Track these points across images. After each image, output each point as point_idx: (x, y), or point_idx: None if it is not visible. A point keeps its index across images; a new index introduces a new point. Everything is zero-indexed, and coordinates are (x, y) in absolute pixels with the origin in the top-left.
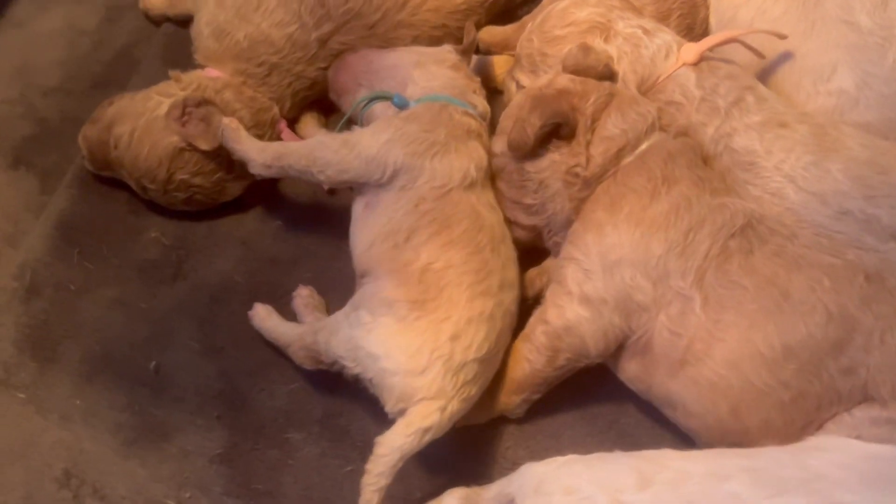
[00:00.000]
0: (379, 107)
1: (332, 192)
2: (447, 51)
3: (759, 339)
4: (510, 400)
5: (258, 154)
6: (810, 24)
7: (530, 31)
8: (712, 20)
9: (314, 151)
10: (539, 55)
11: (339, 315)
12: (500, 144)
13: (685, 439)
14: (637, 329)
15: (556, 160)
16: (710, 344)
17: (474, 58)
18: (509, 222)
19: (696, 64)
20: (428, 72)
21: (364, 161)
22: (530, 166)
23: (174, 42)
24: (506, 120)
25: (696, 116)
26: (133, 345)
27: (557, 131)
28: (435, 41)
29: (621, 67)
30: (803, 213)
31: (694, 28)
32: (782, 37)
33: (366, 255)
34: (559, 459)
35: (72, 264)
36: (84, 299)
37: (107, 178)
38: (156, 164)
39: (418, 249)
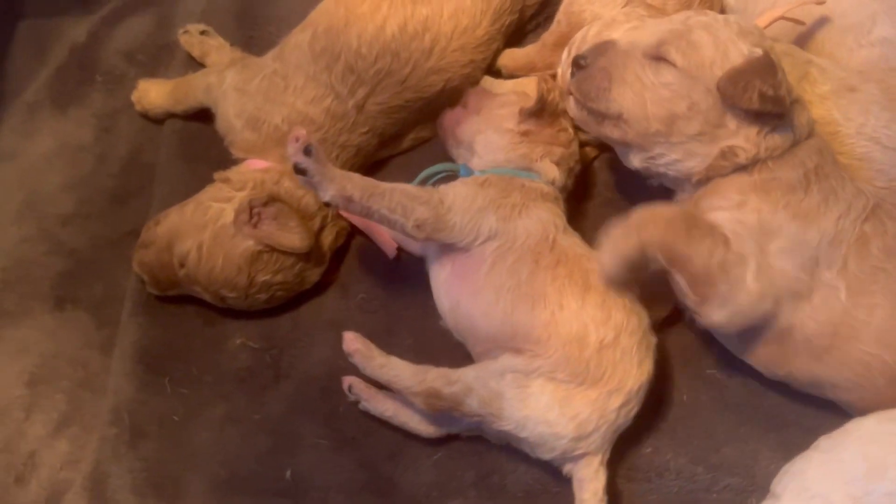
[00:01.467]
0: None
1: (397, 257)
2: (508, 120)
3: None
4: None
5: (341, 183)
6: None
7: (569, 63)
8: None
9: (411, 202)
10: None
11: (478, 373)
12: (690, 58)
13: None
14: (780, 318)
15: (732, 129)
16: (857, 328)
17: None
18: None
19: None
20: (488, 141)
21: (460, 227)
22: (710, 112)
23: (189, 138)
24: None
25: None
26: (259, 458)
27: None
28: (465, 78)
29: None
30: (893, 171)
31: (715, 4)
32: (820, 2)
33: (494, 324)
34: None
35: (167, 394)
36: (192, 426)
37: (171, 296)
38: (234, 272)
39: (573, 316)
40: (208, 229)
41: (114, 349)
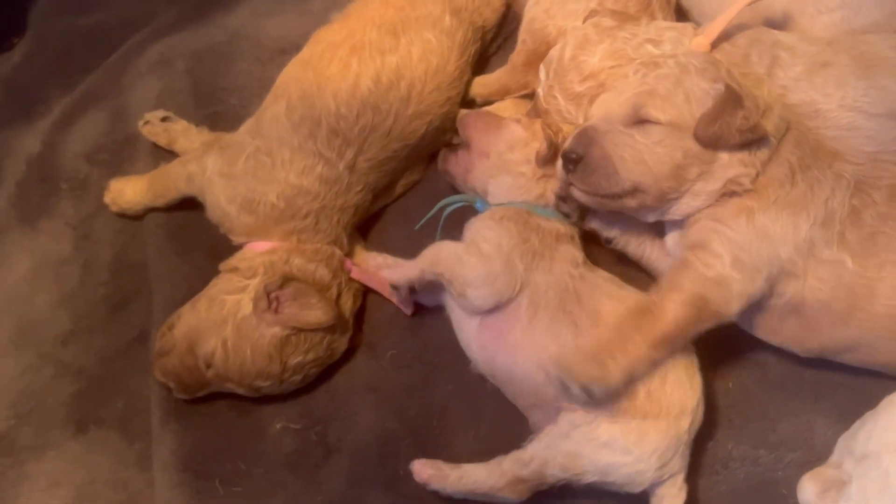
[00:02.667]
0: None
1: (414, 313)
2: (522, 165)
3: None
4: (652, 355)
5: (403, 272)
6: None
7: (551, 86)
8: None
9: (456, 268)
10: (567, 112)
11: (547, 443)
12: (668, 112)
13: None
14: (783, 293)
15: (725, 160)
16: (872, 286)
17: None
18: None
19: (712, 50)
20: (503, 184)
21: (500, 277)
22: (703, 153)
23: (176, 229)
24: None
25: None
26: None
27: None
28: (444, 116)
29: None
30: (881, 135)
31: (672, 1)
32: None
33: (536, 384)
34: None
35: (220, 496)
36: None
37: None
38: (266, 362)
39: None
40: (229, 324)
41: (152, 463)
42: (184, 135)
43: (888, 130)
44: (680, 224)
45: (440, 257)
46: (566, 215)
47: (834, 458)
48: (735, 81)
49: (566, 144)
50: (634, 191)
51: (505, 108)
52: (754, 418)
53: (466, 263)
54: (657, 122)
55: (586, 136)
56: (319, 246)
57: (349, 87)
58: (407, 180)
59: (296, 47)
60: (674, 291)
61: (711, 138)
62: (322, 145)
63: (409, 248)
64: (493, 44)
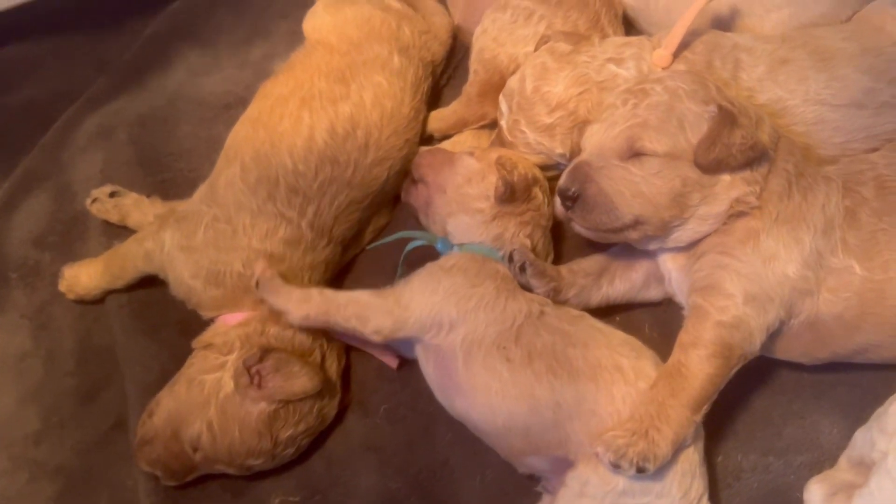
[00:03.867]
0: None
1: (400, 366)
2: (479, 201)
3: None
4: (694, 418)
5: (298, 306)
6: None
7: (516, 120)
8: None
9: (365, 311)
10: (537, 144)
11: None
12: (664, 143)
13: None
14: (799, 312)
15: (727, 181)
16: (880, 288)
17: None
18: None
19: (673, 61)
20: (461, 224)
21: (419, 322)
22: (703, 178)
23: (140, 308)
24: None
25: None
26: None
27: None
28: (404, 159)
29: None
30: (848, 125)
31: (619, 14)
32: None
33: (500, 431)
34: None
35: None
36: None
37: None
38: (256, 440)
39: (578, 414)
40: (212, 405)
41: None
42: (136, 208)
43: (853, 119)
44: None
45: (355, 299)
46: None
47: (854, 451)
48: (726, 99)
49: (561, 181)
50: (636, 223)
51: (465, 140)
52: (759, 426)
53: (379, 310)
54: (654, 155)
55: (581, 173)
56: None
57: (304, 142)
58: (375, 226)
59: (241, 101)
60: (698, 347)
61: (713, 163)
62: (282, 205)
63: None
64: (443, 76)
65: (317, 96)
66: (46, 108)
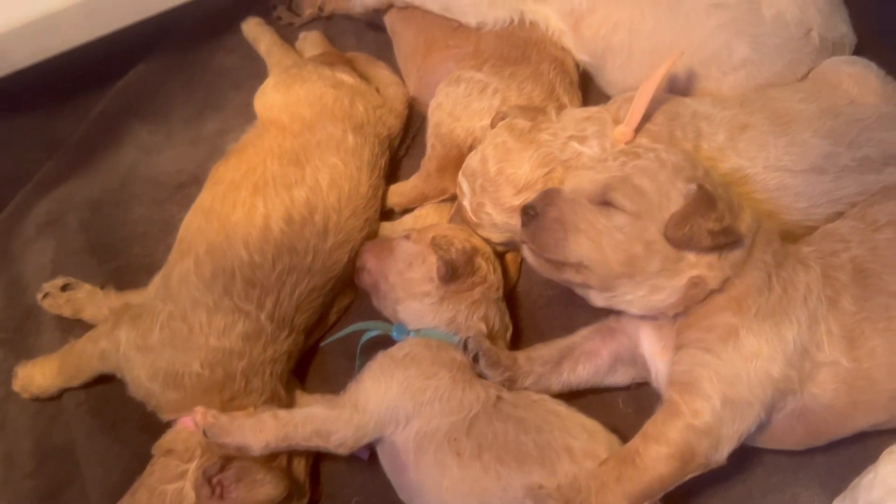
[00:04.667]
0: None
1: (370, 457)
2: (423, 283)
3: None
4: None
5: (256, 437)
6: (685, 21)
7: (480, 203)
8: (582, 57)
9: (324, 426)
10: (504, 225)
11: None
12: (636, 203)
13: None
14: (783, 407)
15: (692, 261)
16: (869, 376)
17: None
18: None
19: (635, 136)
20: (411, 310)
21: (379, 422)
22: (669, 250)
23: (99, 406)
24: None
25: None
26: None
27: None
28: (365, 238)
29: None
30: (810, 191)
31: (574, 80)
32: (679, 53)
33: None
34: None
35: None
36: None
37: None
38: None
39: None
40: None
41: None
42: (90, 302)
43: (814, 185)
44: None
45: (311, 417)
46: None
47: None
48: (711, 182)
49: (531, 199)
50: (580, 265)
51: (427, 214)
52: (738, 502)
53: (338, 421)
54: (622, 210)
55: (549, 196)
56: (254, 411)
57: (259, 232)
58: (339, 306)
59: (194, 180)
60: (660, 443)
61: (681, 239)
62: (239, 299)
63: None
64: (401, 147)
65: (270, 182)
66: None
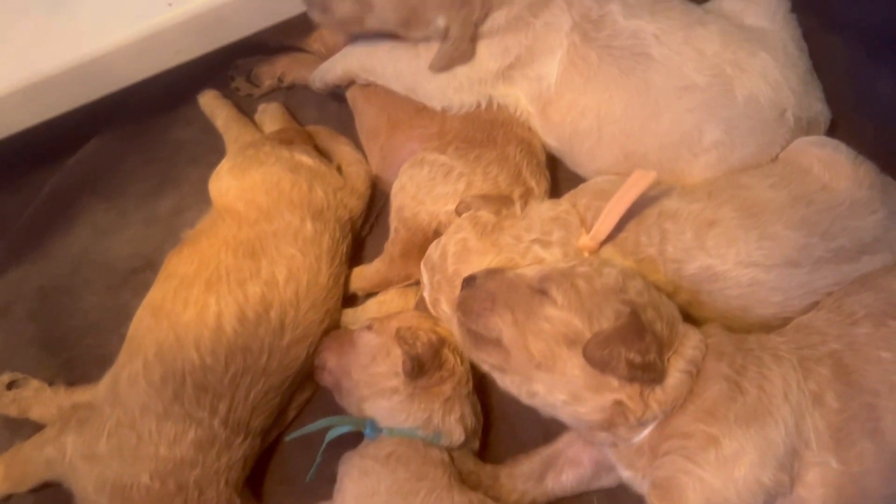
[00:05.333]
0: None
1: None
2: (389, 379)
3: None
4: None
5: None
6: (655, 105)
7: (436, 298)
8: (550, 142)
9: None
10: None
11: None
12: (569, 301)
13: None
14: None
15: (615, 386)
16: (860, 480)
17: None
18: None
19: (599, 248)
20: (379, 408)
21: None
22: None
23: None
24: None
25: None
26: None
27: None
28: (326, 331)
29: None
30: (784, 285)
31: (542, 161)
32: (652, 176)
33: None
34: None
35: None
36: None
37: None
38: None
39: None
40: None
41: None
42: (37, 401)
43: (789, 278)
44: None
45: None
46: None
47: None
48: (650, 312)
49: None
50: (499, 343)
51: (391, 299)
52: None
53: None
54: (553, 303)
55: (492, 272)
56: None
57: (211, 333)
58: (298, 402)
59: (149, 265)
60: None
61: (598, 360)
62: (190, 406)
63: (315, 479)
64: (365, 226)
65: (224, 277)
66: None
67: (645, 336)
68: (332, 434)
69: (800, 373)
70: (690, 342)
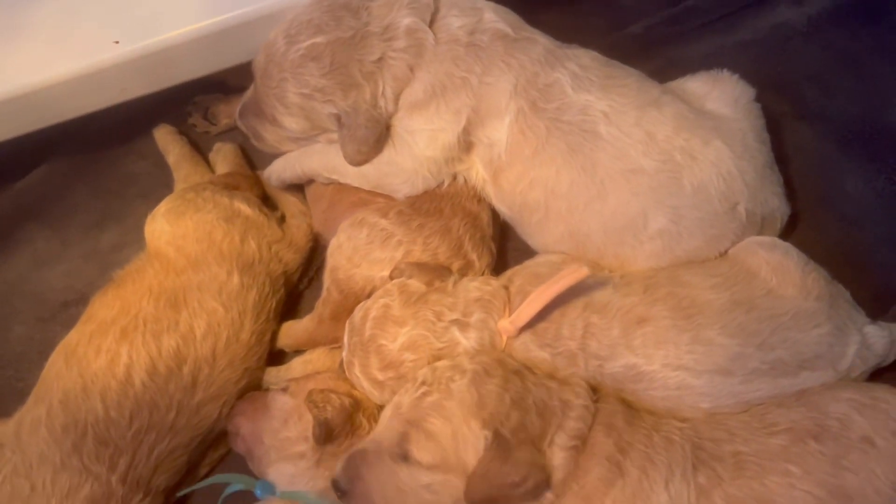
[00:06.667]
0: None
1: None
2: (299, 443)
3: None
4: None
5: None
6: (600, 186)
7: (350, 362)
8: (502, 209)
9: None
10: (370, 393)
11: None
12: (433, 454)
13: None
14: None
15: None
16: None
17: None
18: None
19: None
20: (281, 473)
21: None
22: None
23: None
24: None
25: (560, 374)
26: None
27: None
28: (244, 389)
29: None
30: (715, 392)
31: (487, 235)
32: (584, 273)
33: None
34: None
35: None
36: None
37: None
38: None
39: None
40: None
41: None
42: None
43: (720, 386)
44: None
45: None
46: None
47: None
48: (516, 406)
49: (336, 472)
50: None
51: (317, 358)
52: None
53: None
54: (419, 464)
55: (354, 466)
56: None
57: (119, 385)
58: (211, 459)
59: (81, 299)
60: None
61: (485, 501)
62: (89, 459)
63: None
64: (303, 279)
65: (140, 326)
66: None
67: (516, 454)
68: (225, 493)
69: (690, 462)
70: (573, 412)
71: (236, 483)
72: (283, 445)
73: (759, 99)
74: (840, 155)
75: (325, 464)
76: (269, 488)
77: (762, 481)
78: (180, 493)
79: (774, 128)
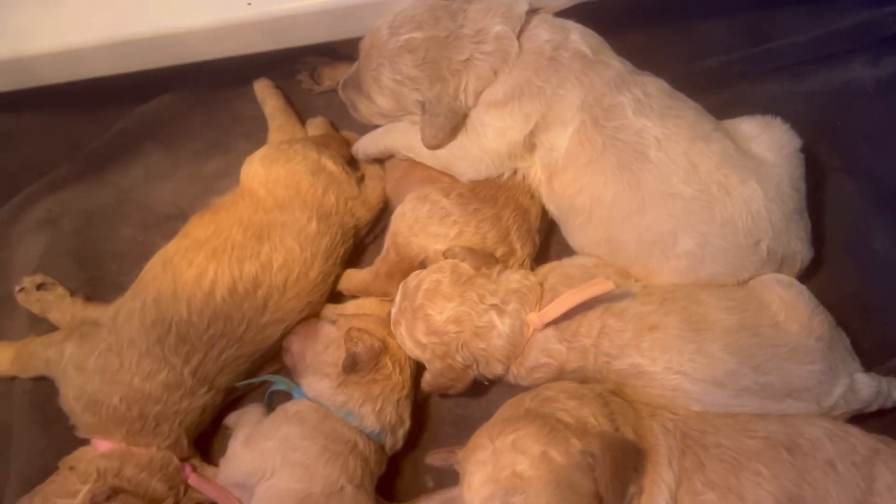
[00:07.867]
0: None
1: None
2: (329, 367)
3: None
4: None
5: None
6: (641, 202)
7: (397, 321)
8: (551, 209)
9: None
10: (411, 351)
11: None
12: None
13: None
14: None
15: None
16: None
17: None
18: None
19: (544, 326)
20: (310, 385)
21: (252, 466)
22: None
23: (40, 399)
24: None
25: (571, 365)
26: None
27: None
28: (305, 319)
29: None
30: (706, 399)
31: (533, 227)
32: (609, 287)
33: None
34: None
35: None
36: None
37: None
38: None
39: None
40: None
41: None
42: (56, 306)
43: (712, 396)
44: None
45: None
46: None
47: None
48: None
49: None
50: None
51: (369, 304)
52: None
53: (238, 457)
54: None
55: None
56: (155, 452)
57: (203, 296)
58: (267, 371)
59: (182, 215)
60: None
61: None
62: (169, 351)
63: None
64: (370, 234)
65: (228, 250)
66: (14, 179)
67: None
68: (270, 390)
69: (679, 447)
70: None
71: (280, 383)
72: (319, 365)
73: (812, 148)
74: (876, 213)
75: (344, 387)
76: (304, 394)
77: (736, 475)
78: (240, 384)
79: (820, 177)
